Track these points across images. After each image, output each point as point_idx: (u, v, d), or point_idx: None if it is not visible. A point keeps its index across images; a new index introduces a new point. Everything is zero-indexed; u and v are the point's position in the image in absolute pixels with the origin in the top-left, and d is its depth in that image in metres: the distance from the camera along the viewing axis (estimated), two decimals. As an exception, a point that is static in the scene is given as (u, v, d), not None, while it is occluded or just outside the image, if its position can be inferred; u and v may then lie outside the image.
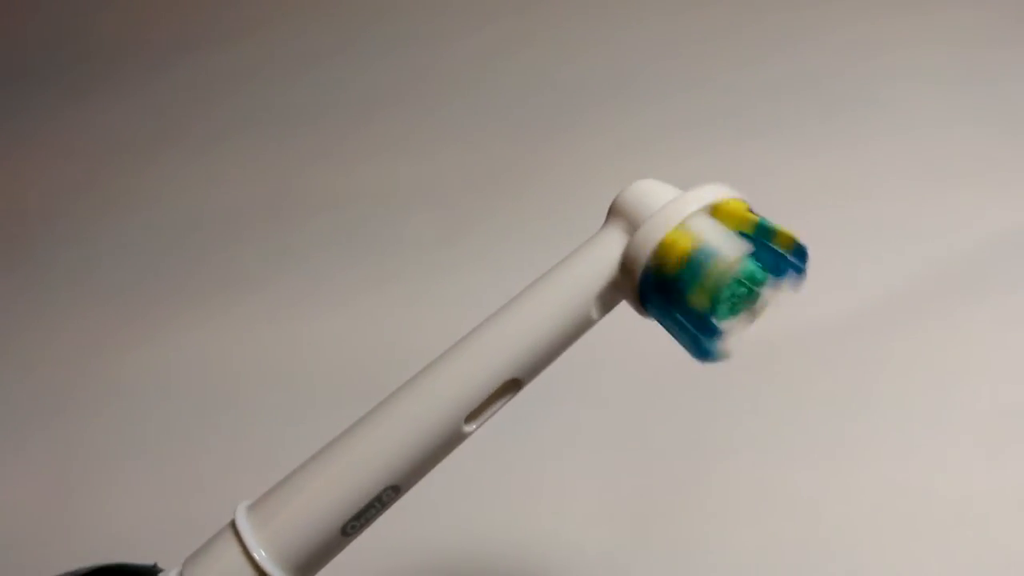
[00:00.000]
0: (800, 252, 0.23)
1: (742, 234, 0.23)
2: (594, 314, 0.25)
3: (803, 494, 0.42)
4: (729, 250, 0.22)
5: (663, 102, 0.64)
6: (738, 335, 0.23)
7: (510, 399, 0.25)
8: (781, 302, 0.24)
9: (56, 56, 0.80)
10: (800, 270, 0.23)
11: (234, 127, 0.69)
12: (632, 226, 0.24)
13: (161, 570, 0.25)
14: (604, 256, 0.25)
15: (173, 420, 0.50)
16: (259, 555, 0.24)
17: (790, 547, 0.40)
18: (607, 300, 0.25)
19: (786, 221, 0.52)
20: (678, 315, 0.23)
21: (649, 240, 0.23)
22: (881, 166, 0.56)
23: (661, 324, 0.24)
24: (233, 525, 0.24)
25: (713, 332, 0.23)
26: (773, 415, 0.45)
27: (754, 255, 0.22)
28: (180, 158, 0.68)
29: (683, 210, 0.23)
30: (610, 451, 0.45)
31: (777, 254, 0.23)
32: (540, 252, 0.54)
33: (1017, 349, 0.45)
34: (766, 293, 0.23)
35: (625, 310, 0.25)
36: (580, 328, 0.25)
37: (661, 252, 0.23)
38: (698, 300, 0.22)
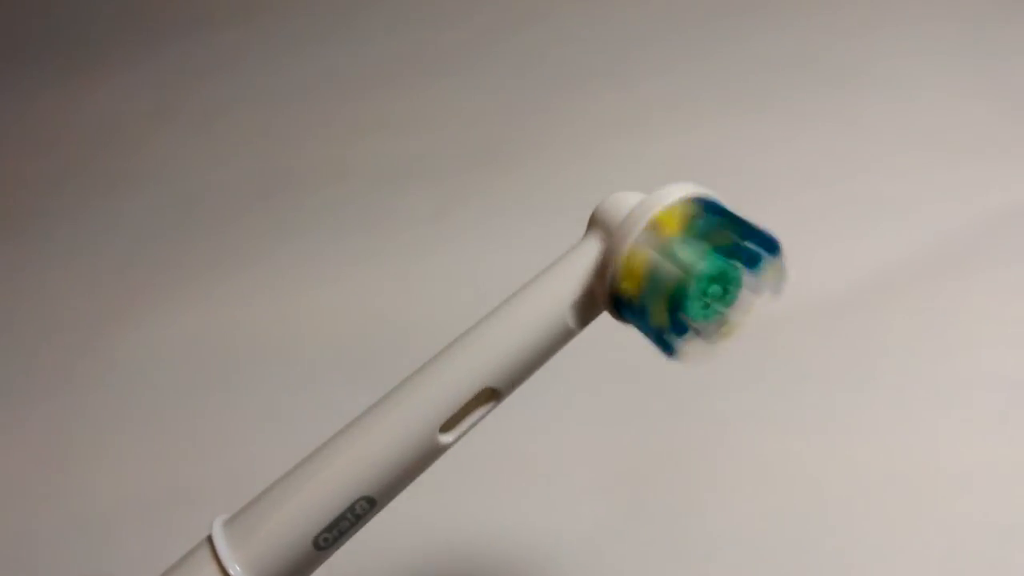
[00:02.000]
0: (769, 244, 0.22)
1: (710, 234, 0.22)
2: (571, 323, 0.24)
3: (802, 467, 0.42)
4: (692, 247, 0.22)
5: (657, 79, 0.63)
6: (723, 338, 0.23)
7: (491, 410, 0.25)
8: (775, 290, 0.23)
9: (54, 34, 0.79)
10: (773, 253, 0.22)
11: (229, 105, 0.69)
12: (606, 235, 0.24)
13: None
14: (579, 265, 0.24)
15: (168, 395, 0.50)
16: (234, 571, 0.24)
17: (788, 520, 0.40)
18: (584, 309, 0.24)
19: (786, 196, 0.52)
20: (651, 318, 0.23)
21: (619, 244, 0.23)
22: (880, 142, 0.55)
23: (638, 328, 0.24)
24: (209, 540, 0.24)
25: (687, 331, 0.22)
26: (772, 388, 0.45)
27: (724, 254, 0.22)
28: (176, 136, 0.67)
29: (648, 212, 0.23)
30: (607, 424, 0.45)
31: (748, 251, 0.22)
32: (533, 227, 0.54)
33: (1017, 322, 0.45)
34: (746, 285, 0.22)
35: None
36: (558, 337, 0.24)
37: (630, 257, 0.23)
38: (668, 299, 0.22)
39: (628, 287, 0.23)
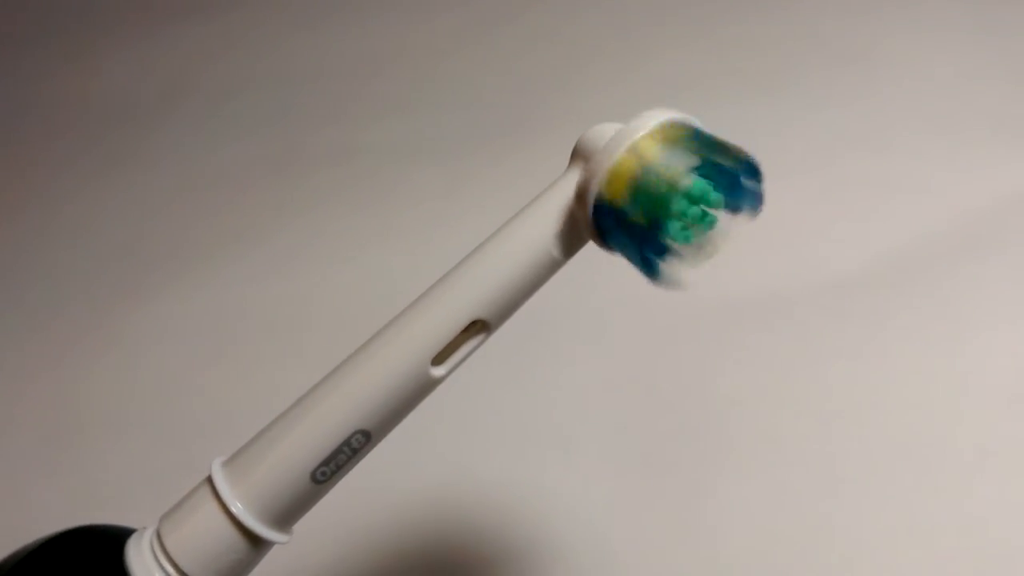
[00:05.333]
0: (751, 168, 0.22)
1: (692, 154, 0.22)
2: (556, 252, 0.24)
3: (815, 446, 0.41)
4: (674, 164, 0.22)
5: (668, 57, 0.63)
6: (701, 262, 0.23)
7: (482, 342, 0.25)
8: (745, 230, 0.23)
9: (61, 15, 0.80)
10: (756, 188, 0.22)
11: (241, 85, 0.69)
12: (586, 163, 0.24)
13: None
14: (561, 193, 0.24)
15: (177, 372, 0.51)
16: (236, 508, 0.24)
17: (801, 498, 0.40)
18: (568, 237, 0.24)
19: (797, 176, 0.52)
20: (632, 238, 0.22)
21: (599, 167, 0.23)
22: (892, 122, 0.54)
23: (621, 253, 0.24)
24: (209, 480, 0.25)
25: (667, 252, 0.22)
26: (785, 367, 0.44)
27: (705, 175, 0.22)
28: (186, 116, 0.68)
29: (630, 136, 0.23)
30: (619, 401, 0.45)
31: (729, 172, 0.22)
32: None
33: None
34: (723, 216, 0.22)
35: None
36: (544, 268, 0.24)
37: (610, 176, 0.23)
38: (649, 218, 0.22)
39: (609, 209, 0.23)
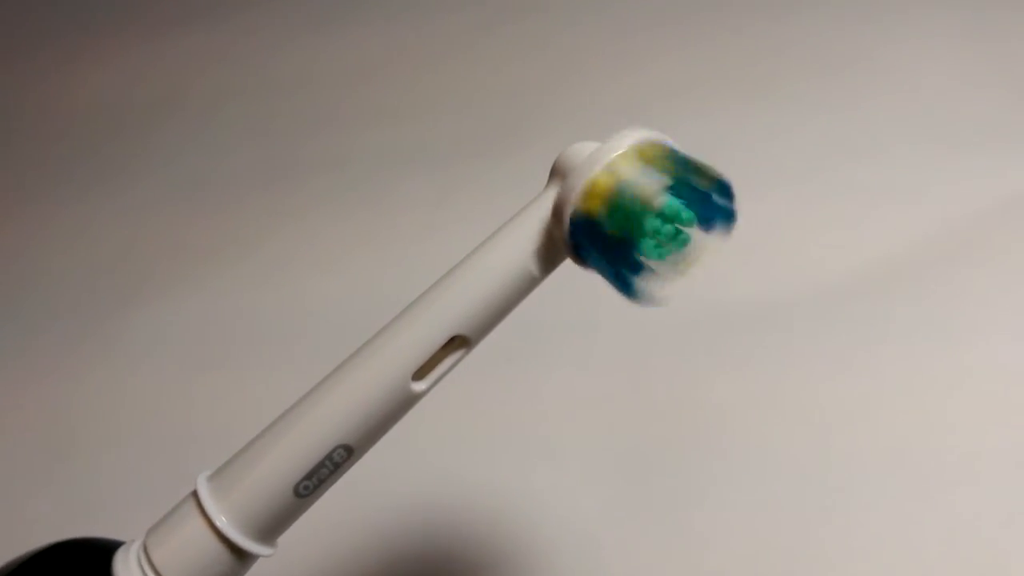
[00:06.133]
0: (723, 188, 0.23)
1: (666, 174, 0.23)
2: (534, 269, 0.25)
3: (804, 453, 0.42)
4: (648, 183, 0.22)
5: (660, 66, 0.63)
6: (674, 280, 0.23)
7: (462, 357, 0.25)
8: (718, 249, 0.23)
9: (55, 20, 0.80)
10: (728, 209, 0.23)
11: (234, 92, 0.70)
12: (564, 181, 0.24)
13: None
14: (539, 211, 0.25)
15: (168, 381, 0.51)
16: (220, 522, 0.24)
17: (790, 505, 0.40)
18: (546, 255, 0.25)
19: (788, 183, 0.52)
20: (607, 254, 0.23)
21: (575, 186, 0.23)
22: (884, 129, 0.55)
23: (596, 270, 0.24)
24: (195, 494, 0.25)
25: (641, 269, 0.23)
26: (774, 375, 0.45)
27: (679, 195, 0.22)
28: (177, 124, 0.68)
29: (606, 155, 0.23)
30: (608, 409, 0.45)
31: (702, 193, 0.23)
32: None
33: (1021, 311, 0.45)
34: (696, 235, 0.23)
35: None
36: (522, 284, 0.25)
37: (586, 194, 0.23)
38: (622, 235, 0.22)
39: (584, 227, 0.23)
